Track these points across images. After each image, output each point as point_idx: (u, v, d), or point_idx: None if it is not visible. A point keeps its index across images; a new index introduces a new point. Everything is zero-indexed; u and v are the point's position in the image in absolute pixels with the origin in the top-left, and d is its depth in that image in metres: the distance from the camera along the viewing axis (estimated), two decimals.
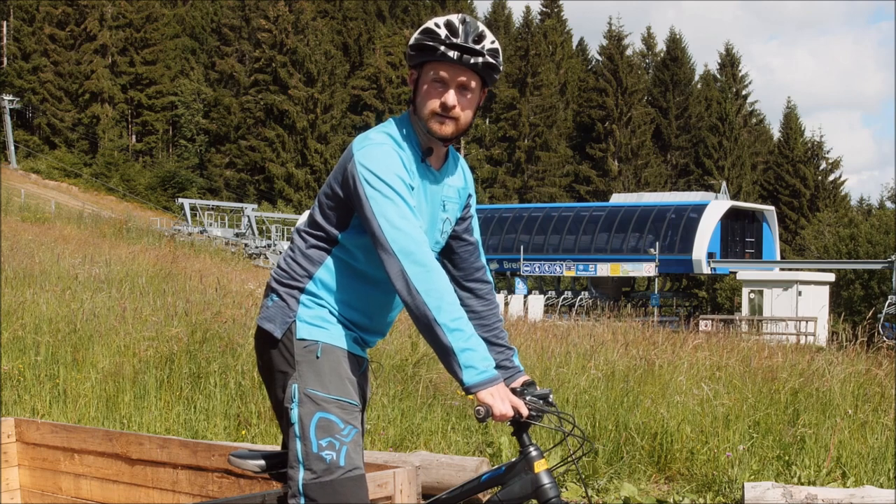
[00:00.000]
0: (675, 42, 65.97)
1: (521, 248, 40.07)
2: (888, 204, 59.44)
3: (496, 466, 2.80)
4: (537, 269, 40.62)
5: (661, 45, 67.72)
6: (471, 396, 2.43)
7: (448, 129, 2.56)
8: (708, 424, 6.18)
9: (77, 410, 6.54)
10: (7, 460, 4.42)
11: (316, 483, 2.49)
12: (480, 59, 2.52)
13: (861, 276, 41.17)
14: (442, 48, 2.50)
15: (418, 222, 2.49)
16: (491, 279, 2.94)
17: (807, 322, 26.49)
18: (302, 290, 2.61)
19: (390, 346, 7.75)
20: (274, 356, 2.61)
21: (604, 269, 38.91)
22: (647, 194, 45.82)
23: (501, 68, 2.60)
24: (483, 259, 2.92)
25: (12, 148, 57.69)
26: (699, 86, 66.28)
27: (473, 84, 2.56)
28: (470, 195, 2.84)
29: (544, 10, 69.53)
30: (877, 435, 6.08)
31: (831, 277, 35.82)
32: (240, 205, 49.54)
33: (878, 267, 36.39)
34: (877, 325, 25.30)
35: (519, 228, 41.35)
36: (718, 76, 67.38)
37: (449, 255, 2.86)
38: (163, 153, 64.41)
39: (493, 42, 2.55)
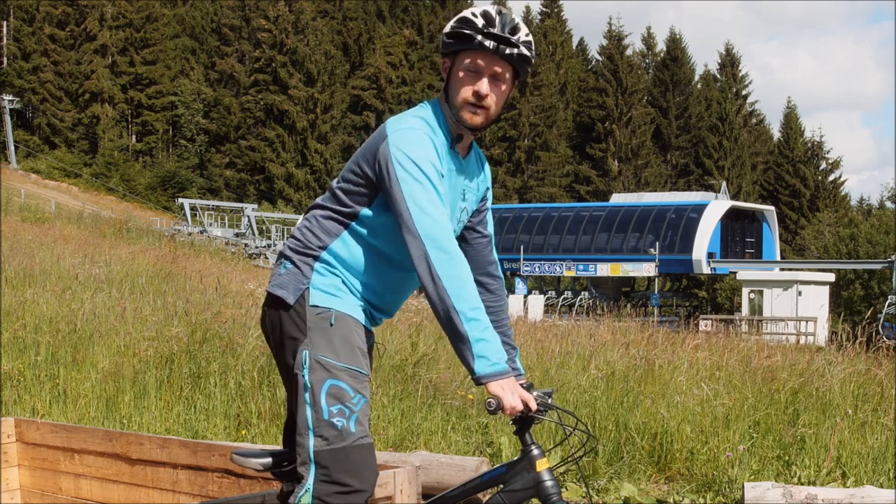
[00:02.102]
0: (675, 42, 65.98)
1: (521, 248, 40.06)
2: (888, 204, 59.50)
3: (498, 465, 2.81)
4: (537, 269, 40.62)
5: (661, 45, 67.81)
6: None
7: (479, 118, 2.59)
8: (708, 424, 6.18)
9: (77, 410, 6.54)
10: (7, 460, 4.42)
11: (327, 450, 2.49)
12: (516, 51, 2.55)
13: (861, 276, 41.18)
14: (479, 37, 2.53)
15: (446, 210, 2.51)
16: (501, 275, 2.96)
17: (807, 322, 26.50)
18: (316, 259, 2.62)
19: (390, 346, 7.75)
20: (285, 322, 2.60)
21: (604, 269, 38.92)
22: (647, 194, 45.84)
23: (534, 61, 2.63)
24: (495, 254, 2.94)
25: (12, 148, 57.69)
26: (699, 86, 66.29)
27: (507, 75, 2.60)
28: (487, 188, 2.87)
29: (544, 10, 69.57)
30: (877, 435, 6.08)
31: (831, 277, 35.83)
32: (240, 205, 49.53)
33: (878, 267, 36.41)
34: (876, 324, 25.32)
35: (519, 228, 41.35)
36: (718, 76, 67.41)
37: (463, 246, 2.86)
38: (163, 153, 64.41)
39: (527, 34, 2.59)
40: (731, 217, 39.67)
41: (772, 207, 44.61)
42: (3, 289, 9.79)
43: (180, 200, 48.56)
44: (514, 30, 2.56)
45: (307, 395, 2.52)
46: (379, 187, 2.57)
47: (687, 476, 5.92)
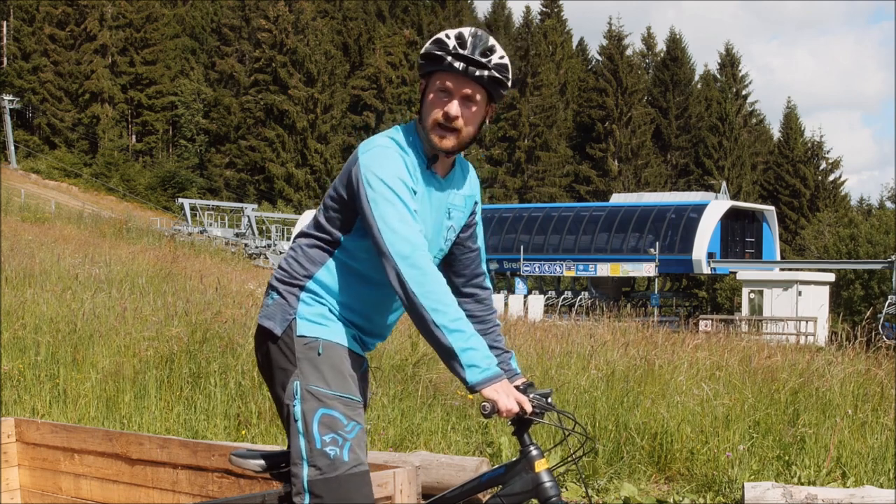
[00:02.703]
0: (675, 42, 66.01)
1: (521, 248, 40.06)
2: (888, 204, 59.51)
3: (497, 466, 2.80)
4: (537, 269, 40.62)
5: (661, 45, 67.84)
6: (471, 396, 2.44)
7: (449, 142, 2.57)
8: (708, 424, 6.18)
9: (77, 410, 6.54)
10: (7, 460, 4.42)
11: (321, 479, 2.49)
12: (486, 73, 2.53)
13: (861, 276, 41.19)
14: (449, 58, 2.52)
15: (418, 226, 2.50)
16: (490, 286, 2.95)
17: (807, 322, 26.51)
18: (302, 289, 2.63)
19: (390, 346, 7.75)
20: (274, 353, 2.61)
21: (604, 269, 38.91)
22: (647, 194, 45.82)
23: (510, 84, 2.60)
24: (484, 266, 2.92)
25: (12, 148, 57.70)
26: (699, 86, 66.31)
27: (478, 97, 2.57)
28: (476, 203, 2.84)
29: (544, 10, 69.57)
30: (877, 435, 6.08)
31: (831, 277, 35.83)
32: (240, 205, 49.56)
33: (878, 267, 36.41)
34: (876, 324, 25.33)
35: (519, 228, 41.34)
36: (718, 76, 67.42)
37: (451, 261, 2.86)
38: (163, 153, 64.43)
39: (501, 57, 2.56)
40: (731, 217, 39.65)
41: (772, 207, 44.58)
42: (3, 289, 9.79)
43: (180, 200, 48.60)
44: (487, 52, 2.54)
45: (300, 426, 2.52)
46: (356, 210, 2.57)
47: (687, 476, 5.92)
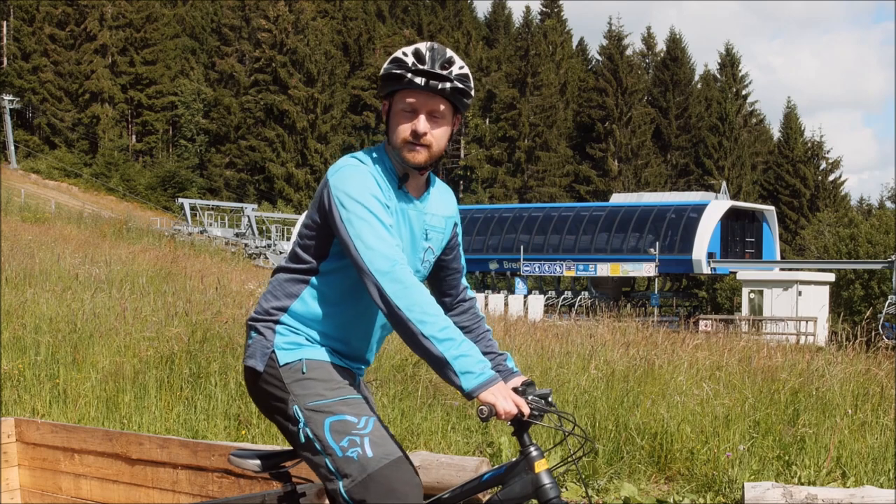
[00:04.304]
0: (675, 42, 66.02)
1: (521, 248, 40.05)
2: (888, 204, 59.53)
3: (497, 466, 2.80)
4: (537, 269, 40.61)
5: (661, 45, 67.88)
6: (472, 401, 2.42)
7: (421, 157, 2.56)
8: (708, 424, 6.18)
9: (77, 410, 6.54)
10: (7, 460, 4.42)
11: (356, 485, 2.47)
12: (448, 85, 2.52)
13: (861, 276, 41.15)
14: (409, 75, 2.51)
15: (394, 240, 2.49)
16: (473, 295, 2.97)
17: (807, 322, 26.51)
18: (277, 322, 2.63)
19: (390, 347, 7.75)
20: (265, 389, 2.62)
21: (604, 269, 38.90)
22: (647, 194, 45.82)
23: (472, 93, 2.59)
24: (465, 280, 2.95)
25: (12, 148, 57.70)
26: (699, 86, 66.34)
27: (443, 109, 2.56)
28: (456, 224, 2.84)
29: (544, 10, 69.60)
30: (877, 435, 6.08)
31: (831, 277, 35.83)
32: (240, 205, 49.58)
33: (878, 267, 36.40)
34: (876, 324, 25.34)
35: (519, 228, 41.33)
36: (718, 76, 67.44)
37: (437, 283, 2.88)
38: (163, 153, 64.42)
39: (461, 67, 2.55)
40: (731, 217, 39.65)
41: (772, 207, 44.58)
42: (3, 289, 9.79)
43: (180, 200, 48.61)
44: (447, 64, 2.53)
45: (317, 445, 2.51)
46: (331, 233, 2.56)
47: (687, 476, 5.92)
